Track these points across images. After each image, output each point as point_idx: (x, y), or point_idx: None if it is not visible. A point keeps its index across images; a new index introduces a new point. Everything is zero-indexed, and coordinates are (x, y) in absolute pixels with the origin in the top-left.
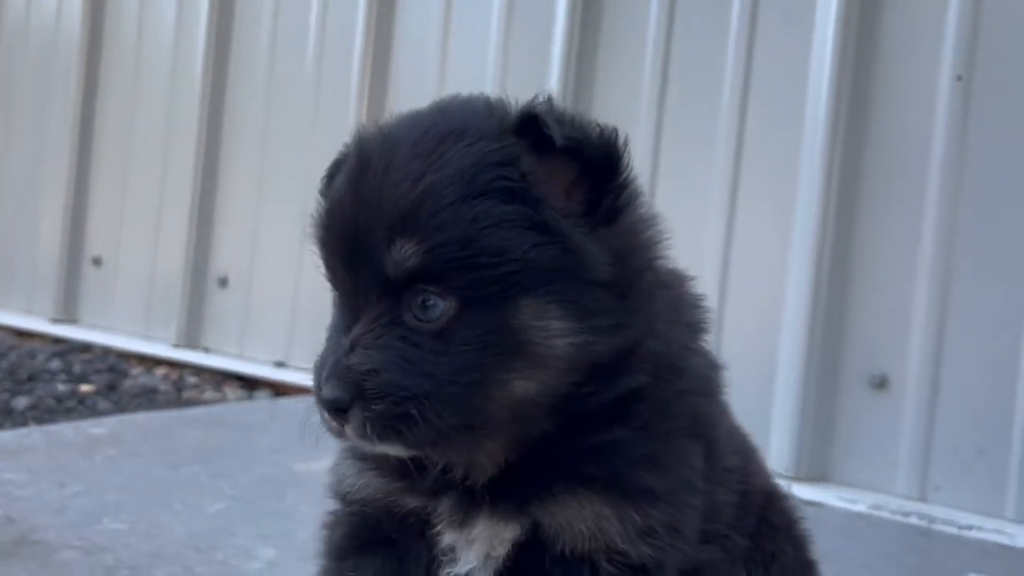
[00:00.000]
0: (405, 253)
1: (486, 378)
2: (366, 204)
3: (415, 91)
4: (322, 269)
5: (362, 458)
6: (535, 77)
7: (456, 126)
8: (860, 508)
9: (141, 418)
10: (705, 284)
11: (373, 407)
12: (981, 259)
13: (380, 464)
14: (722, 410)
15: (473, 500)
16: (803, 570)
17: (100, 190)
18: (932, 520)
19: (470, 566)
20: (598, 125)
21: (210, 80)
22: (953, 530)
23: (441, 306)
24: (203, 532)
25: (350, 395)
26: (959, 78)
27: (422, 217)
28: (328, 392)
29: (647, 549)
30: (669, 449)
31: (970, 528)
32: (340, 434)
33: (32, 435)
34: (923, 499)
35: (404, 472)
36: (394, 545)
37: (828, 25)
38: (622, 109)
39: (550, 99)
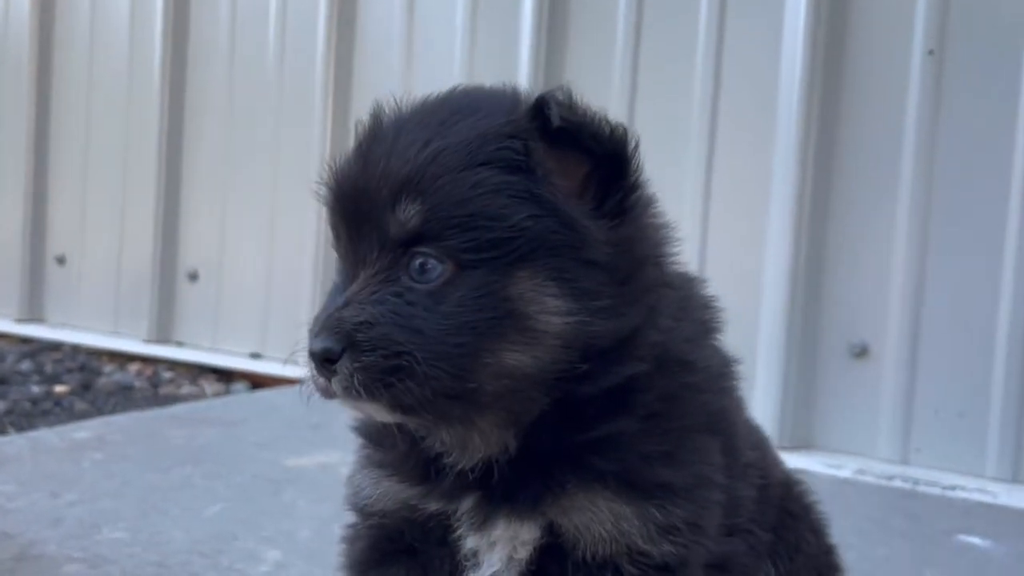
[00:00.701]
0: (408, 213)
1: (478, 344)
2: (373, 167)
3: (381, 75)
4: (329, 233)
5: (380, 464)
6: (504, 55)
7: (471, 104)
8: (845, 474)
9: (123, 419)
10: (684, 260)
11: (363, 358)
12: (956, 228)
13: (399, 468)
14: (738, 405)
15: (492, 500)
16: (826, 557)
17: (60, 187)
18: (916, 482)
19: (493, 569)
20: (609, 122)
21: (169, 69)
22: (937, 491)
23: (439, 268)
24: (205, 537)
25: (340, 346)
26: (931, 52)
27: (426, 180)
28: (318, 343)
29: (669, 547)
30: (684, 444)
31: (954, 488)
32: (327, 391)
33: (15, 442)
34: (906, 462)
35: (424, 475)
36: (416, 554)
37: (800, 1)
38: (593, 89)
39: (568, 90)
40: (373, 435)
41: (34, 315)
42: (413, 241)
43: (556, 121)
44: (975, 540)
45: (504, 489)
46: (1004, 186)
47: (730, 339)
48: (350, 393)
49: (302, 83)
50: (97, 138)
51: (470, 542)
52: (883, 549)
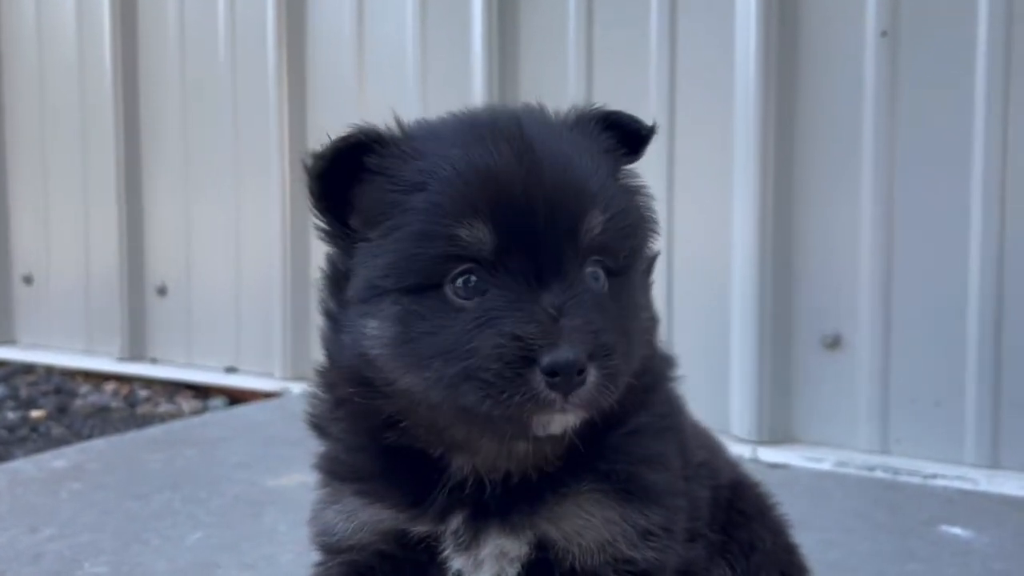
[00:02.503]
0: (596, 223)
1: (635, 344)
2: (556, 178)
3: (333, 83)
4: (477, 245)
5: (362, 494)
6: (456, 52)
7: (550, 118)
8: (826, 466)
9: (100, 444)
10: None
11: (609, 364)
12: (921, 211)
13: (385, 495)
14: (683, 403)
15: (482, 517)
16: (786, 555)
17: (20, 206)
18: (897, 472)
19: None
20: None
21: (120, 83)
22: (918, 480)
23: (601, 277)
24: (186, 567)
25: (587, 354)
26: (884, 34)
27: (605, 191)
28: (568, 354)
29: (650, 553)
30: (665, 447)
31: (934, 477)
32: (555, 406)
33: None
34: (886, 452)
35: (413, 498)
36: None
37: None
38: (548, 81)
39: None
40: (350, 469)
41: (5, 337)
42: (595, 250)
43: (645, 131)
44: (957, 531)
45: (498, 502)
46: (965, 167)
47: (702, 336)
48: (594, 402)
49: (254, 91)
50: (54, 153)
51: (457, 563)
52: (867, 543)
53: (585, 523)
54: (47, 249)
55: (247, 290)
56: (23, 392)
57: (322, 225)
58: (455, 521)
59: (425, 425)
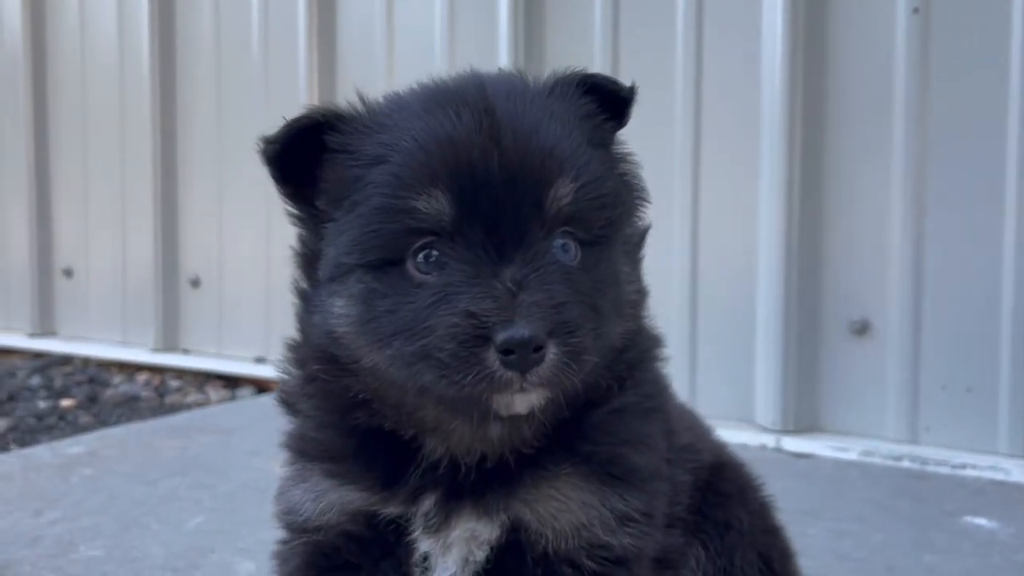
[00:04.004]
0: (565, 192)
1: (614, 321)
2: (520, 146)
3: (363, 67)
4: (436, 217)
5: (332, 475)
6: (483, 32)
7: (522, 84)
8: (852, 456)
9: (119, 431)
10: (675, 244)
11: (571, 341)
12: (953, 194)
13: (357, 476)
14: (669, 384)
15: (455, 498)
16: (764, 537)
17: (62, 200)
18: (925, 462)
19: (447, 574)
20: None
21: (158, 84)
22: (947, 470)
23: (572, 248)
24: (181, 551)
25: (546, 331)
26: (916, 11)
27: (575, 159)
28: (523, 330)
29: (627, 539)
30: (650, 428)
31: (964, 467)
32: (513, 386)
33: (7, 461)
34: (914, 441)
35: (384, 478)
36: (355, 569)
37: None
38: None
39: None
40: (320, 447)
41: (46, 329)
42: (564, 221)
43: (626, 93)
44: (981, 521)
45: (472, 484)
46: (999, 149)
47: (727, 321)
48: (557, 380)
49: (286, 84)
50: (95, 152)
51: (424, 546)
52: (881, 535)
53: (561, 505)
54: (86, 243)
55: (276, 280)
56: (57, 382)
57: (291, 209)
58: (427, 503)
59: (394, 405)
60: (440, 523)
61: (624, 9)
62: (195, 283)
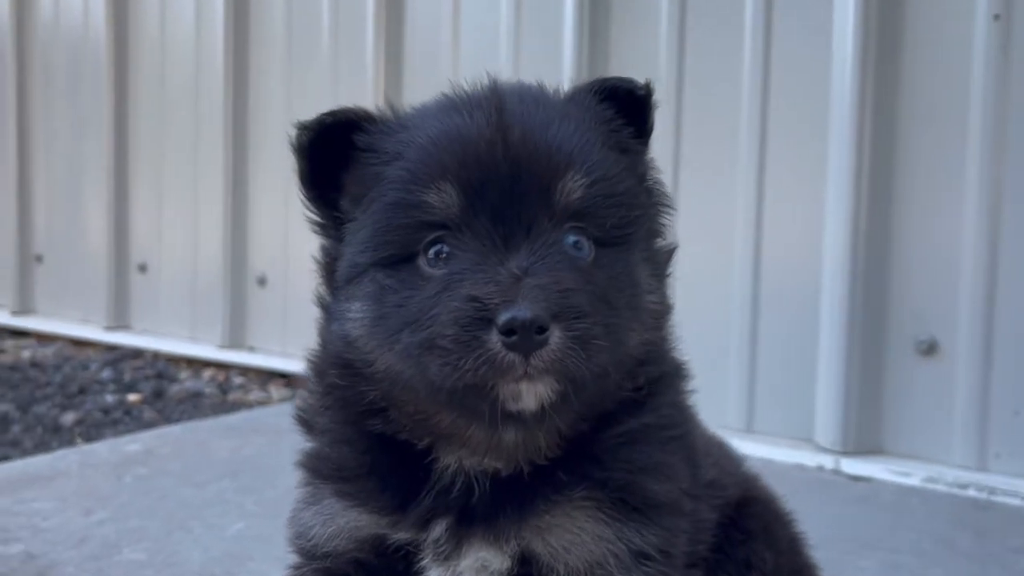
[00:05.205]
0: (575, 185)
1: (628, 324)
2: (531, 139)
3: (429, 61)
4: (445, 210)
5: (343, 495)
6: (549, 39)
7: (539, 90)
8: (913, 482)
9: (177, 430)
10: (737, 253)
11: (577, 326)
12: None
13: (368, 497)
14: (694, 415)
15: (467, 524)
16: None
17: (139, 198)
18: (992, 491)
19: None
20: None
21: (231, 80)
22: (1016, 502)
23: (586, 246)
24: (220, 557)
25: (551, 314)
26: (996, 17)
27: (589, 154)
28: (524, 311)
29: None
30: (670, 458)
31: None
32: (516, 370)
33: (67, 457)
34: (982, 469)
35: (396, 501)
36: None
37: None
38: (639, 66)
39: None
40: (334, 466)
41: (121, 323)
42: (574, 215)
43: (640, 91)
44: None
45: (484, 508)
46: None
47: (788, 337)
48: (563, 367)
49: (354, 81)
50: (170, 152)
51: (434, 574)
52: (939, 570)
53: (574, 538)
54: (160, 240)
55: None
56: (127, 376)
57: (313, 216)
58: (438, 528)
59: (409, 412)
60: (450, 551)
61: (691, 4)
62: (261, 281)
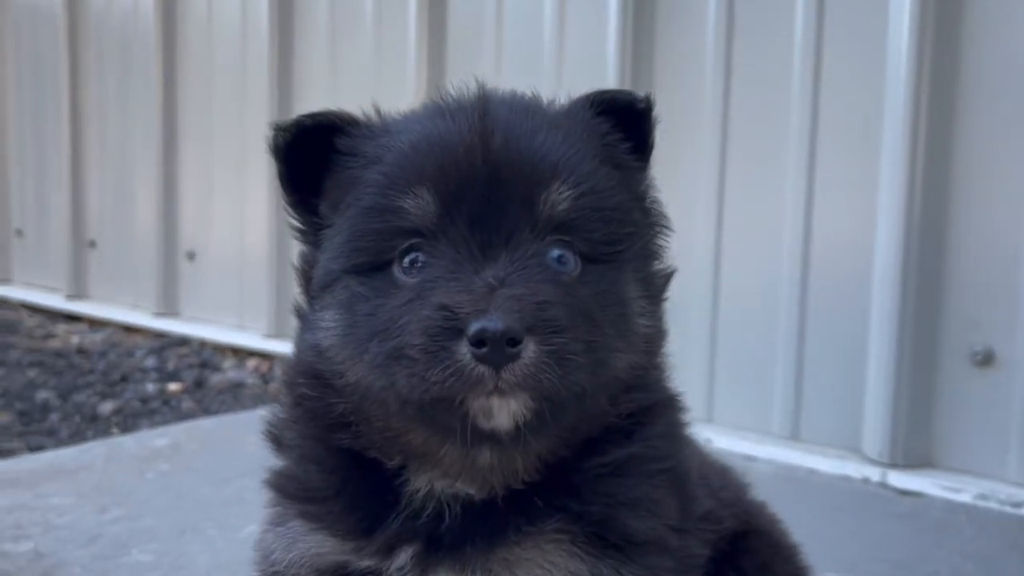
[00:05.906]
0: (561, 196)
1: (612, 343)
2: (516, 148)
3: (472, 54)
4: (422, 217)
5: (308, 516)
6: (593, 40)
7: (531, 100)
8: (964, 498)
9: (208, 424)
10: (784, 258)
11: (554, 340)
12: None
13: (334, 520)
14: (689, 444)
15: (433, 551)
16: None
17: (188, 188)
18: None
19: None
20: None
21: (276, 70)
22: None
23: (571, 260)
24: (228, 561)
25: (525, 326)
26: None
27: (577, 166)
28: (496, 322)
29: None
30: (652, 490)
31: None
32: (486, 384)
33: (93, 450)
34: None
35: (361, 525)
36: None
37: None
38: (685, 62)
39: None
40: (300, 485)
41: (169, 310)
42: (558, 228)
43: (641, 105)
44: None
45: (453, 535)
46: None
47: (836, 344)
48: (537, 383)
49: (397, 73)
50: (218, 142)
51: None
52: None
53: (544, 574)
54: (208, 227)
55: None
56: (171, 364)
57: (295, 222)
58: (403, 556)
59: (380, 427)
60: None
61: (738, 3)
62: None
